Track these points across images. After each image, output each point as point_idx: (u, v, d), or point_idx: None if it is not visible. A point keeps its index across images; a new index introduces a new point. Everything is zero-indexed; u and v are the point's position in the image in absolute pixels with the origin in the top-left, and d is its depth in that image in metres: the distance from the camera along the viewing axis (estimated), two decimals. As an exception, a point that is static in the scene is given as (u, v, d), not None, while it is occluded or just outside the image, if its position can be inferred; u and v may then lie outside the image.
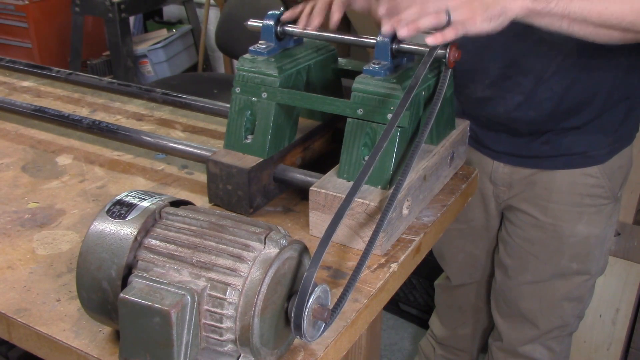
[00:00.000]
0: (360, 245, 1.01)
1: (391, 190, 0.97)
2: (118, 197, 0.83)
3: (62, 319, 0.88)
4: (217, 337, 0.74)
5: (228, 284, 0.73)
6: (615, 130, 1.35)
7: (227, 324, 0.73)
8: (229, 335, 0.73)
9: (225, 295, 0.73)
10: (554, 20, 1.02)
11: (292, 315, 0.74)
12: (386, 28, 1.02)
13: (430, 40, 0.99)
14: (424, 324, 2.33)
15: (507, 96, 1.32)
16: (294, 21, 1.17)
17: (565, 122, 1.33)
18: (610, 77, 1.28)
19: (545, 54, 1.25)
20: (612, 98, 1.30)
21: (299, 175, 1.11)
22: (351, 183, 1.03)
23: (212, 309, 0.73)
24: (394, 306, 2.44)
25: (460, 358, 1.91)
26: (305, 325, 0.74)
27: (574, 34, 1.05)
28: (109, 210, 0.81)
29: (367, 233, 0.99)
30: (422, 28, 0.99)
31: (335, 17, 1.15)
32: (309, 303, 0.74)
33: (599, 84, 1.28)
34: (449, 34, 0.99)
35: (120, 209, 0.80)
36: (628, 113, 1.35)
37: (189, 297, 0.71)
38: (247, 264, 0.74)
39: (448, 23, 0.98)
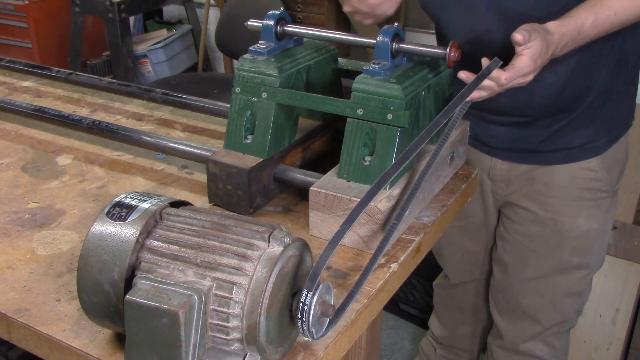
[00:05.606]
0: (360, 245, 1.01)
1: (395, 200, 0.98)
2: (117, 199, 0.82)
3: (62, 319, 0.88)
4: (224, 337, 0.74)
5: (234, 283, 0.73)
6: (612, 119, 1.36)
7: (233, 323, 0.73)
8: (235, 334, 0.73)
9: (231, 294, 0.72)
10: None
11: (299, 312, 0.74)
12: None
13: None
14: (424, 324, 2.33)
15: None
16: None
17: (567, 111, 1.32)
18: (611, 61, 1.28)
19: None
20: (612, 86, 1.31)
21: (299, 175, 1.11)
22: (351, 183, 1.03)
23: (219, 309, 0.73)
24: (394, 306, 2.45)
25: (461, 358, 1.91)
26: (310, 322, 0.74)
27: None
28: (108, 212, 0.80)
29: (367, 233, 0.99)
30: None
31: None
32: (315, 299, 0.74)
33: (598, 71, 1.28)
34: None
35: (120, 211, 0.80)
36: (623, 101, 1.37)
37: (196, 297, 0.71)
38: (252, 262, 0.74)
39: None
